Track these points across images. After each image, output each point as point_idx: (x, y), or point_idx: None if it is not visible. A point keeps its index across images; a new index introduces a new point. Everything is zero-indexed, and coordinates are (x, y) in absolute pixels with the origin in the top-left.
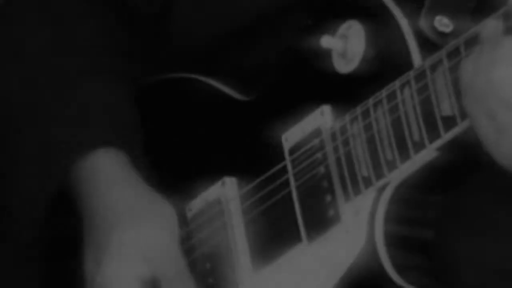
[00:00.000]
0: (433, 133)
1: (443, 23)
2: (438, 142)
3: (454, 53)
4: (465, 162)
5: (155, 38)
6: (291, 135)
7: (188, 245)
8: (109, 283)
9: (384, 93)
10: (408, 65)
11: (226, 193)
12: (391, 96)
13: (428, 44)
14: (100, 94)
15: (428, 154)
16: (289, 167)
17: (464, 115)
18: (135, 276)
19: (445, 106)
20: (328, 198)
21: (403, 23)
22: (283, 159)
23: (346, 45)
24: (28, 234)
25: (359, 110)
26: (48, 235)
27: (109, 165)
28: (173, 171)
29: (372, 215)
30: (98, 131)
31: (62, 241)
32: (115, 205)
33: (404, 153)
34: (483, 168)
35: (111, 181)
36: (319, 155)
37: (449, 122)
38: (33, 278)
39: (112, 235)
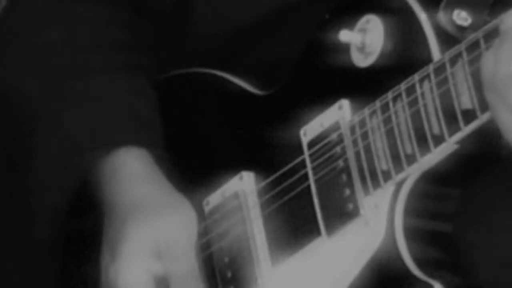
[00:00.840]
0: (453, 126)
1: (461, 17)
2: (458, 135)
3: (474, 46)
4: (485, 155)
5: (174, 33)
6: (310, 129)
7: (205, 240)
8: (121, 277)
9: (403, 86)
10: (427, 59)
11: (244, 187)
12: (410, 90)
13: (446, 38)
14: (122, 91)
15: (448, 147)
16: (308, 161)
17: (484, 108)
18: (147, 271)
19: (465, 99)
20: (347, 192)
21: (422, 17)
22: (302, 153)
23: (364, 39)
24: (46, 232)
25: (378, 103)
26: (67, 233)
27: (131, 163)
28: (190, 166)
29: (392, 209)
30: (121, 129)
31: (80, 239)
32: (134, 201)
33: (423, 147)
34: (502, 161)
35: (133, 178)
36: (338, 149)
37: (469, 115)
38: (51, 275)
39: (127, 231)
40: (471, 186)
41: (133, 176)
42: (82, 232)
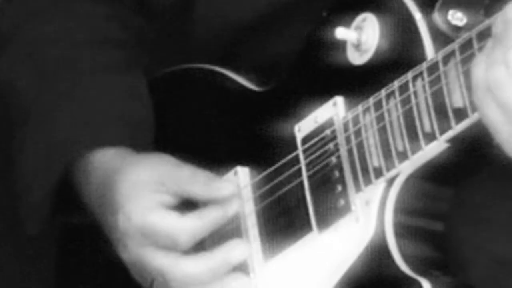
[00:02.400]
0: (444, 125)
1: (456, 16)
2: (449, 134)
3: (467, 46)
4: (476, 154)
5: (174, 31)
6: (304, 125)
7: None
8: (134, 216)
9: (396, 84)
10: (421, 57)
11: (239, 182)
12: (404, 88)
13: (441, 37)
14: (113, 89)
15: (439, 145)
16: (301, 157)
17: (475, 107)
18: (157, 202)
19: (457, 98)
20: (339, 188)
21: (417, 16)
22: (296, 149)
23: (360, 37)
24: (35, 229)
25: (371, 101)
26: (59, 230)
27: (111, 158)
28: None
29: (382, 206)
30: (106, 128)
31: (72, 236)
32: (119, 166)
33: (415, 144)
34: (493, 160)
35: (115, 161)
36: (331, 145)
37: (461, 113)
38: (47, 272)
39: (117, 185)
40: (462, 184)
41: (113, 161)
42: (74, 228)
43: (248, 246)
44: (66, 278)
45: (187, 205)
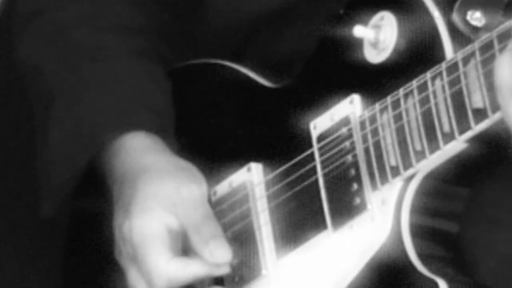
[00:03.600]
0: (464, 125)
1: (475, 17)
2: (468, 134)
3: (487, 47)
4: (494, 155)
5: (188, 24)
6: (320, 123)
7: None
8: (136, 230)
9: (415, 84)
10: (440, 57)
11: (252, 178)
12: (422, 87)
13: (460, 38)
14: (140, 75)
15: (457, 145)
16: (317, 155)
17: (495, 108)
18: (162, 225)
19: (477, 99)
20: (355, 186)
21: (436, 15)
22: (311, 146)
23: (378, 35)
24: (53, 210)
25: (389, 100)
26: (73, 212)
27: (141, 139)
28: (199, 155)
29: (399, 205)
30: (134, 114)
31: (86, 218)
32: (146, 165)
33: (433, 144)
34: (511, 161)
35: (143, 148)
36: (347, 143)
37: (480, 114)
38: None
39: (139, 188)
40: (476, 184)
41: (141, 147)
42: (86, 214)
43: (261, 244)
44: (73, 266)
45: None
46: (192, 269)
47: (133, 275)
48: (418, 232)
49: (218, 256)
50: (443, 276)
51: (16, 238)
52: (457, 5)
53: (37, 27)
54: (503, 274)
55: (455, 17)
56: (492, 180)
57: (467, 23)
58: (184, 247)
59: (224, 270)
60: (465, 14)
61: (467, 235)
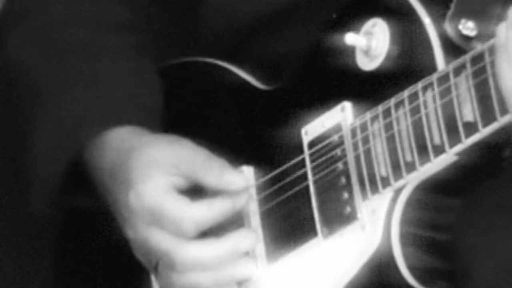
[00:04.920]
0: (454, 138)
1: (467, 26)
2: (459, 147)
3: (478, 59)
4: (485, 167)
5: (183, 23)
6: (311, 129)
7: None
8: (146, 196)
9: (406, 93)
10: (431, 67)
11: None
12: (413, 97)
13: (452, 48)
14: (127, 72)
15: (448, 158)
16: (308, 161)
17: (486, 122)
18: (168, 183)
19: (467, 112)
20: (346, 195)
21: (428, 24)
22: (302, 152)
23: (370, 43)
24: (42, 207)
25: (380, 108)
26: (64, 212)
27: (125, 135)
28: None
29: (389, 215)
30: (121, 110)
31: (75, 215)
32: (131, 146)
33: (424, 156)
34: (502, 171)
35: (128, 137)
36: (338, 151)
37: (471, 128)
38: (46, 252)
39: (132, 163)
40: (467, 193)
41: (127, 136)
42: (80, 211)
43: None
44: (66, 264)
45: (197, 188)
46: (217, 205)
47: (157, 238)
48: (408, 243)
49: (238, 182)
50: (434, 287)
51: (16, 238)
52: (449, 14)
53: (25, 25)
54: (499, 283)
55: (448, 26)
56: (485, 188)
57: (459, 32)
58: None
59: (244, 198)
60: (457, 23)
61: (459, 244)
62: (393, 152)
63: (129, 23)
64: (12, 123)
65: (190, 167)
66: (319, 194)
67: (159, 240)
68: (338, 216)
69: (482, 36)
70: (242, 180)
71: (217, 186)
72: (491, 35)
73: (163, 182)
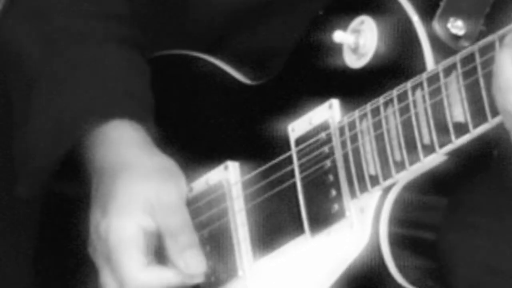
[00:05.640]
0: (444, 138)
1: (456, 25)
2: (449, 147)
3: (469, 59)
4: (475, 165)
5: (169, 16)
6: (298, 126)
7: None
8: (112, 231)
9: (395, 92)
10: (420, 65)
11: (229, 177)
12: (402, 96)
13: (440, 46)
14: (121, 63)
15: (437, 157)
16: (295, 158)
17: (476, 123)
18: (138, 226)
19: (457, 112)
20: (333, 193)
21: (416, 21)
22: (289, 149)
23: (358, 40)
24: (30, 193)
25: (368, 107)
26: (48, 196)
27: (123, 130)
28: (176, 149)
29: (377, 214)
30: (117, 101)
31: (60, 204)
32: (126, 161)
33: (413, 155)
34: (491, 170)
35: (125, 142)
36: (326, 148)
37: (461, 128)
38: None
39: (119, 187)
40: (455, 193)
41: (125, 139)
42: (63, 197)
43: (237, 245)
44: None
45: None
46: (165, 278)
47: (106, 275)
48: (396, 242)
49: (193, 266)
50: (422, 286)
51: (16, 238)
52: (438, 12)
53: (18, 14)
54: (482, 282)
55: (436, 25)
56: (472, 187)
57: (448, 31)
58: (158, 248)
59: (197, 280)
60: (446, 22)
61: (446, 243)
62: (382, 151)
63: (120, 13)
64: (14, 122)
65: (164, 222)
66: (306, 191)
67: (107, 277)
68: (326, 214)
69: (470, 35)
70: (201, 266)
71: (174, 261)
72: (479, 35)
73: (136, 225)
